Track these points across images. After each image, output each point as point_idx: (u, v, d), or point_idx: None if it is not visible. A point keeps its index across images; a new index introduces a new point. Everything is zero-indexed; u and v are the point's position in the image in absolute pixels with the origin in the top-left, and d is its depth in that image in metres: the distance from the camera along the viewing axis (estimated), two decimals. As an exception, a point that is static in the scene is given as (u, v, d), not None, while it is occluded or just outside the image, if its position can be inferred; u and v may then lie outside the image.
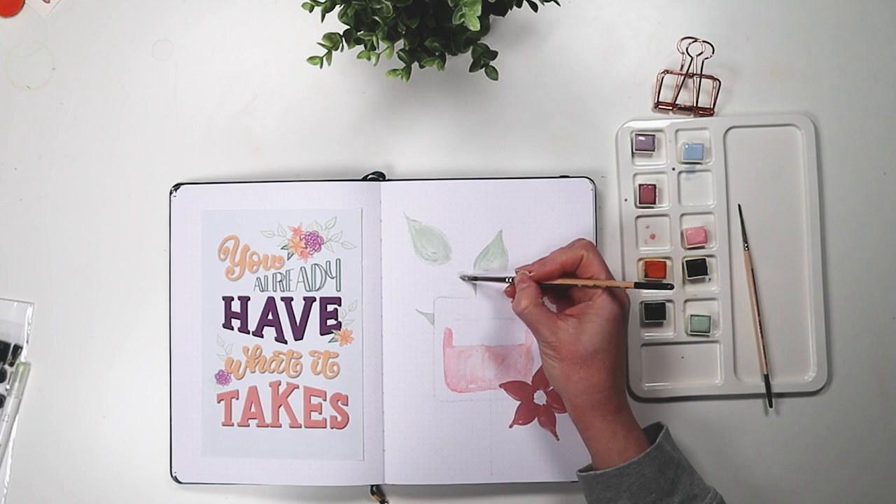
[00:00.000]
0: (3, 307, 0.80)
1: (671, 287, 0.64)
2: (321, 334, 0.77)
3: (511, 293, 0.74)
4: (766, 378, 0.78)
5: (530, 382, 0.77)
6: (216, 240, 0.78)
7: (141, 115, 0.81)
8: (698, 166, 0.79)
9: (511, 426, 0.76)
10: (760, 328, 0.78)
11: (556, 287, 0.72)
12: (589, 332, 0.67)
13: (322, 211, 0.78)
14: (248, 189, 0.78)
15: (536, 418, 0.77)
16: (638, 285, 0.67)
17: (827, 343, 0.78)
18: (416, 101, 0.81)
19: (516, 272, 0.72)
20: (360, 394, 0.77)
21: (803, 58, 0.80)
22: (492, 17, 0.75)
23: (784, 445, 0.79)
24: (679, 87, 0.79)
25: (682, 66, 0.79)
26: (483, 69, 0.69)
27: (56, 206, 0.81)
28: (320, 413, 0.77)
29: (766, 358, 0.78)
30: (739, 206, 0.79)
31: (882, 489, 0.78)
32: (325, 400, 0.77)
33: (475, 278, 0.77)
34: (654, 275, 0.78)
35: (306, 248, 0.78)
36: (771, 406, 0.78)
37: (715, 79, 0.79)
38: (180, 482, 0.77)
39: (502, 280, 0.75)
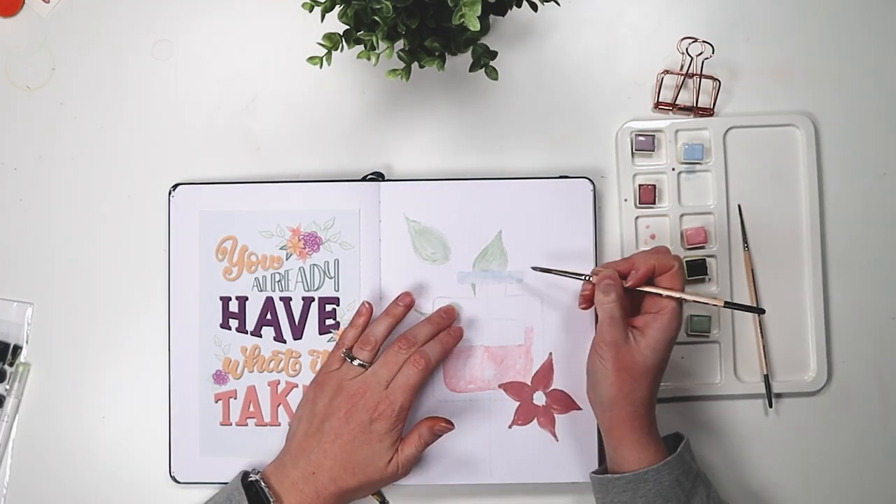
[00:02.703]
0: (3, 307, 0.80)
1: (763, 311, 0.65)
2: (320, 334, 0.77)
3: (589, 295, 0.72)
4: (766, 378, 0.78)
5: (530, 383, 0.77)
6: (214, 240, 0.78)
7: (141, 115, 0.81)
8: (698, 166, 0.79)
9: (510, 427, 0.76)
10: (760, 328, 0.78)
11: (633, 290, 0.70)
12: (652, 347, 0.67)
13: (321, 211, 0.78)
14: (247, 189, 0.78)
15: (536, 419, 0.77)
16: (728, 305, 0.67)
17: (827, 343, 0.78)
18: (416, 101, 0.81)
19: (595, 273, 0.71)
20: (360, 394, 0.77)
21: (803, 58, 0.80)
22: (492, 17, 0.75)
23: (784, 445, 0.78)
24: (679, 87, 0.79)
25: (682, 66, 0.79)
26: (483, 69, 0.69)
27: (56, 206, 0.81)
28: (319, 413, 0.77)
29: (766, 358, 0.78)
30: (739, 206, 0.79)
31: (882, 489, 0.78)
32: (324, 400, 0.77)
33: (548, 270, 0.74)
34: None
35: (305, 248, 0.78)
36: (771, 406, 0.78)
37: (715, 79, 0.79)
38: (179, 482, 0.77)
39: (577, 276, 0.72)
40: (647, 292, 0.70)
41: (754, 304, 0.78)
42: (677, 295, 0.68)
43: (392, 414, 0.70)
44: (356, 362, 0.73)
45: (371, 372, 0.72)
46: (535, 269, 0.75)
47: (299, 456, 0.71)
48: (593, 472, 0.71)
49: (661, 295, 0.69)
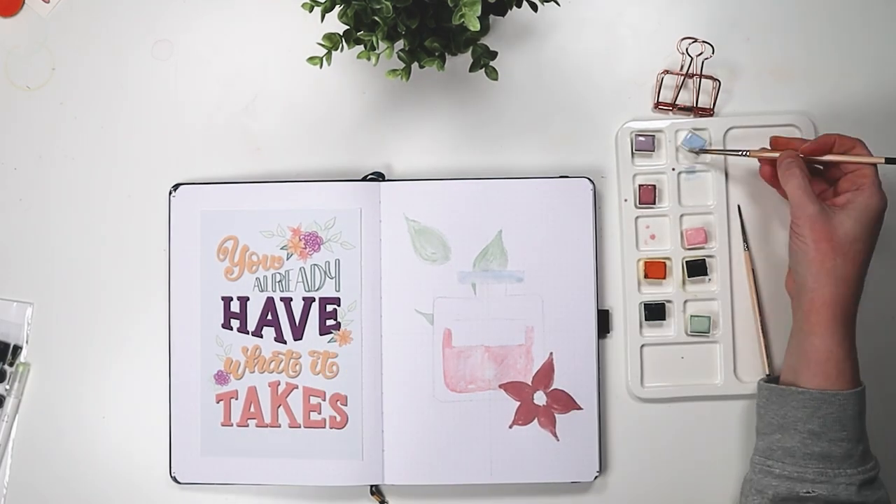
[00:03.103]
0: (3, 307, 0.80)
1: None
2: (320, 334, 0.77)
3: (768, 173, 0.74)
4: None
5: (530, 383, 0.77)
6: (215, 240, 0.78)
7: (141, 115, 0.81)
8: (698, 166, 0.79)
9: (511, 426, 0.76)
10: (762, 329, 0.78)
11: (819, 169, 0.72)
12: (854, 218, 0.66)
13: (321, 211, 0.78)
14: (248, 189, 0.78)
15: (536, 419, 0.77)
16: (889, 160, 0.68)
17: (827, 343, 0.78)
18: (416, 101, 0.81)
19: (773, 144, 0.72)
20: (360, 394, 0.77)
21: (803, 58, 0.80)
22: (492, 17, 0.75)
23: (784, 446, 0.78)
24: (679, 88, 0.79)
25: (682, 67, 0.79)
26: (483, 69, 0.69)
27: (56, 206, 0.81)
28: (319, 413, 0.77)
29: (767, 357, 0.78)
30: (739, 206, 0.79)
31: (882, 489, 0.78)
32: (324, 400, 0.77)
33: (706, 151, 0.77)
34: (654, 275, 0.78)
35: (305, 248, 0.78)
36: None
37: (715, 79, 0.79)
38: (179, 482, 0.77)
39: (737, 153, 0.75)
40: (827, 161, 0.70)
41: (755, 305, 0.78)
42: (863, 159, 0.69)
43: None
44: None
45: None
46: (690, 150, 0.77)
47: None
48: (764, 380, 0.70)
49: (842, 162, 0.69)
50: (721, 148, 0.78)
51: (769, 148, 0.75)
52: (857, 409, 0.67)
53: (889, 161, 0.68)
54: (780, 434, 0.68)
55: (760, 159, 0.75)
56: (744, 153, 0.75)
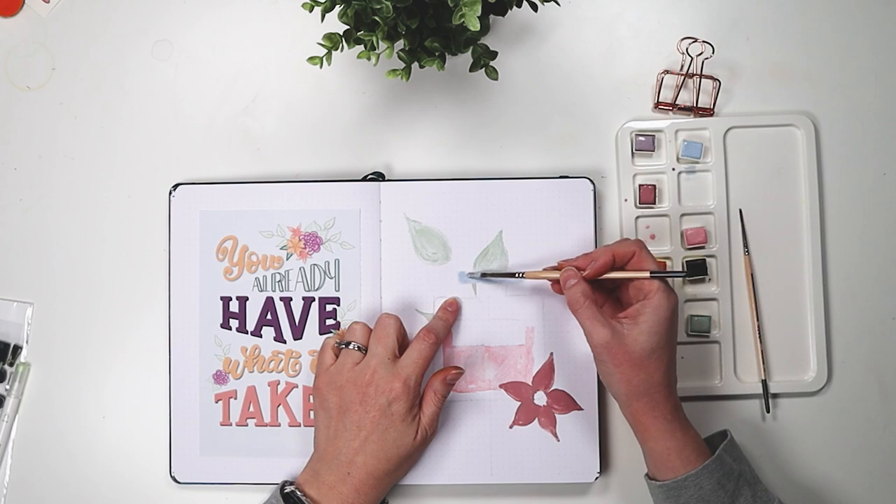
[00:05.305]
0: (3, 307, 0.80)
1: (686, 274, 0.68)
2: (320, 334, 0.77)
3: (559, 290, 0.72)
4: (764, 383, 0.78)
5: (530, 383, 0.77)
6: (214, 240, 0.78)
7: (141, 115, 0.81)
8: (698, 166, 0.79)
9: (511, 427, 0.76)
10: (759, 334, 0.78)
11: (603, 285, 0.71)
12: (647, 331, 0.66)
13: (321, 211, 0.78)
14: (247, 189, 0.78)
15: (537, 419, 0.77)
16: (653, 274, 0.67)
17: (827, 343, 0.78)
18: (416, 101, 0.81)
19: (560, 266, 0.71)
20: (360, 394, 0.77)
21: (803, 58, 0.80)
22: (492, 17, 0.75)
23: (784, 446, 0.78)
24: (679, 88, 0.79)
25: (682, 67, 0.79)
26: (483, 69, 0.69)
27: (56, 206, 0.81)
28: (320, 413, 0.77)
29: (764, 363, 0.78)
30: (741, 210, 0.79)
31: (882, 490, 0.78)
32: (324, 400, 0.77)
33: (484, 275, 0.76)
34: (654, 275, 0.78)
35: (305, 248, 0.78)
36: (768, 411, 0.78)
37: (715, 79, 0.79)
38: (179, 482, 0.77)
39: (511, 276, 0.74)
40: (610, 279, 0.69)
41: (753, 310, 0.78)
42: (624, 275, 0.69)
43: (408, 391, 0.70)
44: (353, 345, 0.72)
45: (370, 354, 0.72)
46: (471, 275, 0.76)
47: (330, 460, 0.71)
48: (647, 476, 0.71)
49: (627, 281, 0.69)
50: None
51: (554, 266, 0.73)
52: (716, 477, 0.67)
53: (654, 276, 0.67)
54: None
55: (549, 278, 0.73)
56: (519, 275, 0.74)
